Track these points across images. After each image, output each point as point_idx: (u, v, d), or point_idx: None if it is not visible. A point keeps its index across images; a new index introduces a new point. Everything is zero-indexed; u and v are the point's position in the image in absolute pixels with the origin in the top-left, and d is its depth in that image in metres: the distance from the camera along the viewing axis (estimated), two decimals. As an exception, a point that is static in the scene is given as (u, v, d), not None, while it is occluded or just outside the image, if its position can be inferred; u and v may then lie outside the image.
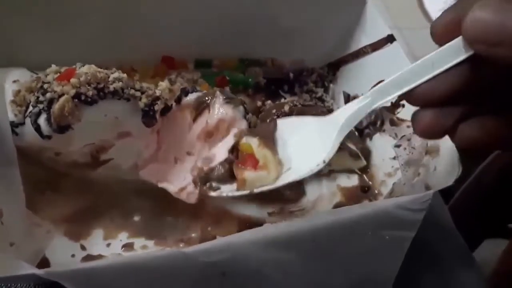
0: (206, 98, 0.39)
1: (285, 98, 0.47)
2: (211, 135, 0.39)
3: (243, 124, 0.39)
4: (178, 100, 0.39)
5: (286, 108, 0.42)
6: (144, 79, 0.42)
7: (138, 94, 0.35)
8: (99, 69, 0.34)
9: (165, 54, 0.47)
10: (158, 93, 0.36)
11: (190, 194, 0.38)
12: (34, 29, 0.41)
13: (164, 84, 0.38)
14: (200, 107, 0.39)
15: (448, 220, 0.40)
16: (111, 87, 0.34)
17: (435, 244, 0.37)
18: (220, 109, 0.39)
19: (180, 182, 0.38)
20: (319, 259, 0.29)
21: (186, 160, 0.39)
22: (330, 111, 0.47)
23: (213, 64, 0.49)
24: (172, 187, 0.38)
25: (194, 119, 0.39)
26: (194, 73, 0.46)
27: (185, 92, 0.39)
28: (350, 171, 0.43)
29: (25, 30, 0.41)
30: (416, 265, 0.32)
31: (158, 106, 0.36)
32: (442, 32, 0.25)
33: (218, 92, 0.40)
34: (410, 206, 0.31)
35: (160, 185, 0.38)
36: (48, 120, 0.33)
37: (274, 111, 0.42)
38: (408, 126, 0.41)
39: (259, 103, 0.44)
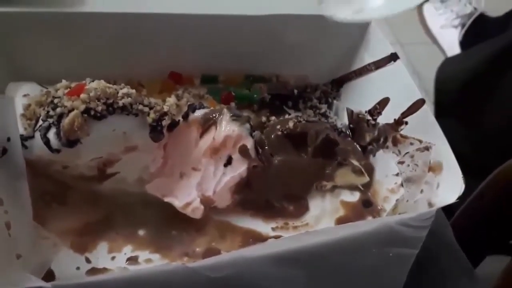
0: (213, 115, 0.40)
1: (289, 114, 0.47)
2: (217, 152, 0.39)
3: (249, 142, 0.39)
4: (186, 116, 0.39)
5: (291, 124, 0.42)
6: (151, 95, 0.42)
7: (146, 109, 0.36)
8: (108, 85, 0.35)
9: (173, 70, 0.48)
10: (166, 108, 0.37)
11: (195, 210, 0.38)
12: (43, 44, 0.42)
13: (171, 100, 0.38)
14: (207, 124, 0.40)
15: (450, 237, 0.40)
16: (120, 103, 0.34)
17: (438, 261, 0.37)
18: (227, 126, 0.39)
19: (185, 197, 0.38)
20: (324, 276, 0.29)
21: (192, 176, 0.39)
22: (333, 127, 0.48)
23: (219, 80, 0.50)
24: (177, 202, 0.38)
25: (201, 135, 0.40)
26: (200, 88, 0.47)
27: (192, 108, 0.40)
28: (354, 188, 0.44)
29: (35, 45, 0.42)
30: (418, 281, 0.32)
31: (166, 122, 0.37)
32: None
33: (225, 110, 0.40)
34: (413, 223, 0.32)
35: (166, 199, 0.38)
36: (58, 134, 0.33)
37: (278, 126, 0.42)
38: (411, 143, 0.41)
39: (263, 119, 0.45)
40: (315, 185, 0.43)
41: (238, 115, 0.40)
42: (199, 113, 0.40)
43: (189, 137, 0.40)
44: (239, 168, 0.39)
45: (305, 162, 0.42)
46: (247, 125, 0.40)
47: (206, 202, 0.39)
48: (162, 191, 0.38)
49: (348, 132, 0.48)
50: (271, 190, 0.41)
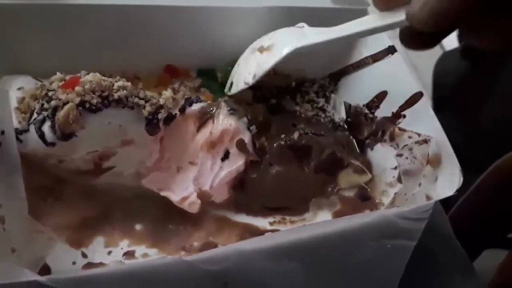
0: (211, 109, 0.40)
1: (285, 110, 0.47)
2: (214, 146, 0.39)
3: (247, 136, 0.39)
4: (182, 110, 0.39)
5: (296, 135, 0.41)
6: (148, 88, 0.42)
7: (142, 102, 0.35)
8: (103, 77, 0.35)
9: (169, 63, 0.47)
10: (162, 101, 0.37)
11: (192, 204, 0.38)
12: (38, 37, 0.42)
13: (168, 93, 0.38)
14: (204, 118, 0.40)
15: (448, 230, 0.40)
16: (116, 95, 0.34)
17: (436, 253, 0.37)
18: (224, 120, 0.39)
19: (182, 192, 0.38)
20: (321, 268, 0.29)
21: (189, 170, 0.39)
22: (331, 121, 0.47)
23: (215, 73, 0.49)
24: (174, 196, 0.38)
25: (198, 129, 0.40)
26: (195, 80, 0.46)
27: (189, 102, 0.40)
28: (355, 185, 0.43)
29: (29, 38, 0.42)
30: (416, 274, 0.32)
31: (162, 115, 0.36)
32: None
33: (222, 103, 0.40)
34: (411, 216, 0.31)
35: (162, 193, 0.38)
36: (53, 127, 0.33)
37: (283, 136, 0.41)
38: (409, 137, 0.41)
39: (260, 118, 0.43)
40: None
41: (236, 109, 0.40)
42: (196, 106, 0.40)
43: (186, 131, 0.39)
44: (237, 163, 0.39)
45: (305, 176, 0.41)
46: (245, 119, 0.39)
47: (203, 196, 0.39)
48: (158, 185, 0.38)
49: (345, 126, 0.47)
50: (267, 199, 0.41)
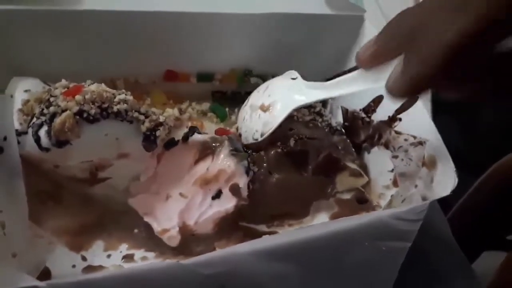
0: (214, 144, 0.39)
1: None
2: (208, 183, 0.38)
3: (243, 180, 0.38)
4: (186, 138, 0.38)
5: (291, 142, 0.41)
6: (155, 105, 0.42)
7: (142, 117, 0.35)
8: (107, 89, 0.35)
9: (169, 68, 0.48)
10: (162, 119, 0.36)
11: (171, 238, 0.37)
12: (44, 42, 0.42)
13: (170, 111, 0.38)
14: (205, 152, 0.39)
15: (447, 232, 0.40)
16: (115, 108, 0.34)
17: (434, 256, 0.37)
18: (223, 160, 0.38)
19: (165, 222, 0.37)
20: (317, 270, 0.29)
21: (178, 201, 0.38)
22: (329, 125, 0.47)
23: (215, 78, 0.50)
24: (156, 225, 0.37)
25: (196, 162, 0.39)
26: (204, 104, 0.46)
27: (192, 132, 0.39)
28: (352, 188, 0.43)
29: (35, 43, 0.42)
30: (415, 276, 0.33)
31: (160, 132, 0.36)
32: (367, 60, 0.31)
33: (226, 142, 0.39)
34: (406, 217, 0.32)
35: (146, 219, 0.37)
36: (48, 133, 0.33)
37: (279, 143, 0.41)
38: (405, 140, 0.41)
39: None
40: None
41: (238, 150, 0.39)
42: (199, 138, 0.39)
43: (184, 161, 0.39)
44: (227, 204, 0.38)
45: (305, 180, 0.41)
46: (245, 162, 0.38)
47: (185, 231, 0.38)
48: (144, 209, 0.38)
49: (342, 130, 0.48)
50: (270, 208, 0.40)
